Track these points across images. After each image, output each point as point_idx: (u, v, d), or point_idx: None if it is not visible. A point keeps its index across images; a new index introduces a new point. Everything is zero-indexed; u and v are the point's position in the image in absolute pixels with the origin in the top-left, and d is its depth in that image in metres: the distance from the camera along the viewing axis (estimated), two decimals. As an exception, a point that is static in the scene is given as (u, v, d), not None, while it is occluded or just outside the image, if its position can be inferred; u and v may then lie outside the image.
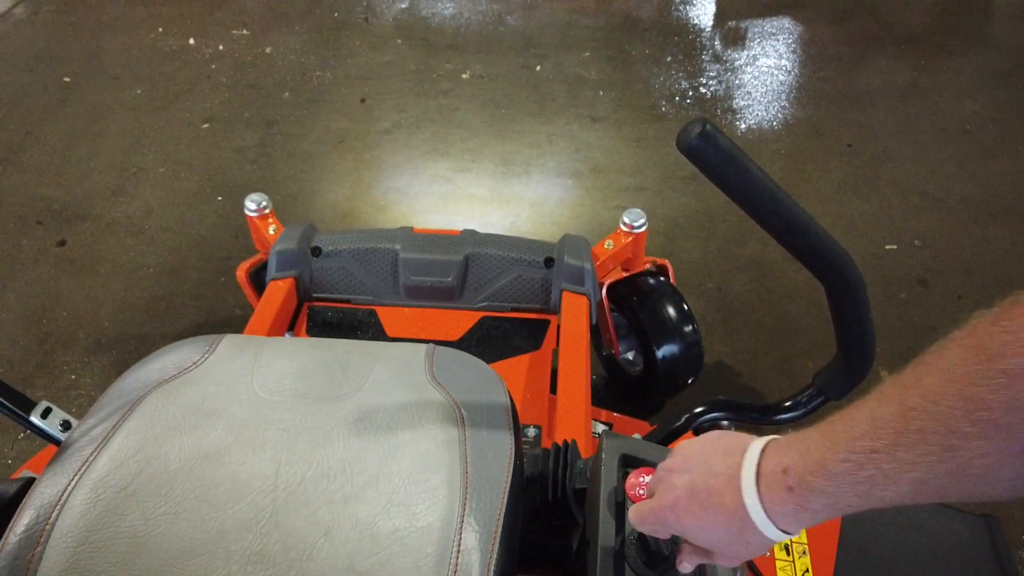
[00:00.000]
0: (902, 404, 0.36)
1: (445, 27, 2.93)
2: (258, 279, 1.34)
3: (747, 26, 2.93)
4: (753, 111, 2.42)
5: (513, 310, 1.21)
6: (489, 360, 1.02)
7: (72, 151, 2.27)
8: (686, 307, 1.34)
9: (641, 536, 0.54)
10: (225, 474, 0.59)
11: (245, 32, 2.90)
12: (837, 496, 0.39)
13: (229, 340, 0.74)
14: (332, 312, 1.22)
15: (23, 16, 3.03)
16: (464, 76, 2.62)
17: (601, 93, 2.52)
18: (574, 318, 1.13)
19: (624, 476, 0.59)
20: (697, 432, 0.80)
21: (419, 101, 2.49)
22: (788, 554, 0.87)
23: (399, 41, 2.83)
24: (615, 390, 1.52)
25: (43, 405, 0.79)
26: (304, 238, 1.23)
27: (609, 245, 1.29)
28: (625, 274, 1.36)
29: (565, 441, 0.74)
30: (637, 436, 0.72)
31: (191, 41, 2.83)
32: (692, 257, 1.85)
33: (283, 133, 2.34)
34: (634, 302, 1.34)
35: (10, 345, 1.65)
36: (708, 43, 2.81)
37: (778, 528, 0.42)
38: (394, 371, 0.70)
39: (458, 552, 0.55)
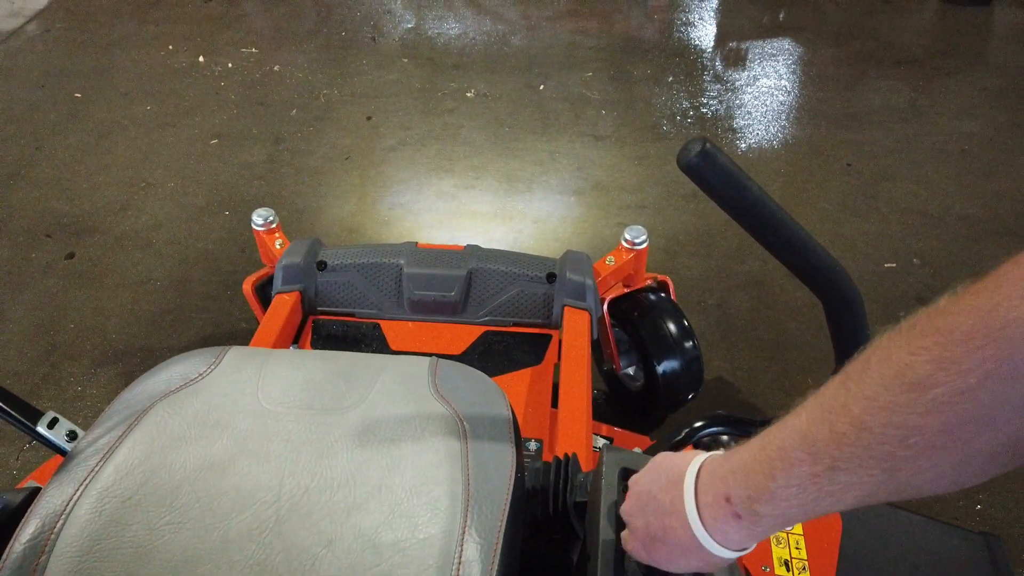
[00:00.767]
0: (833, 430, 0.36)
1: (450, 47, 2.97)
2: (264, 293, 1.36)
3: (748, 47, 2.97)
4: (753, 130, 2.45)
5: (515, 325, 1.22)
6: (491, 374, 1.03)
7: (81, 166, 2.30)
8: (687, 323, 1.34)
9: None
10: (229, 485, 0.59)
11: (254, 50, 2.94)
12: (785, 516, 0.40)
13: (235, 352, 0.75)
14: (336, 325, 1.23)
15: (36, 33, 3.08)
16: (469, 95, 2.65)
17: (603, 112, 2.55)
18: (576, 333, 1.14)
19: (624, 490, 0.59)
20: (697, 446, 0.81)
21: (424, 119, 2.52)
22: (788, 570, 0.87)
23: (405, 60, 2.88)
24: (616, 405, 1.52)
25: (50, 415, 0.80)
26: (310, 252, 1.25)
27: (611, 261, 1.30)
28: (626, 290, 1.37)
29: (566, 454, 0.74)
30: (638, 450, 0.73)
31: (201, 59, 2.88)
32: (692, 274, 1.86)
33: (290, 149, 2.37)
34: (635, 318, 1.35)
35: (18, 356, 1.66)
36: (709, 64, 2.85)
37: (733, 549, 0.44)
38: (398, 383, 0.71)
39: (459, 564, 0.55)
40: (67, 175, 2.25)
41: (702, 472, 0.45)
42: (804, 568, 0.87)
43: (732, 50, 2.96)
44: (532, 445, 1.02)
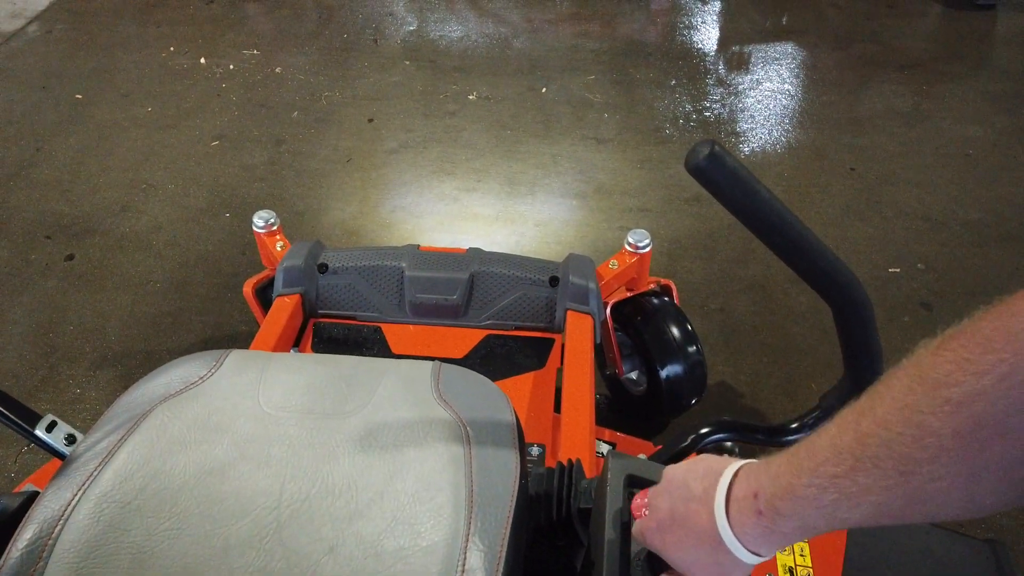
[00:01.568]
0: (858, 431, 0.37)
1: (452, 49, 2.97)
2: (264, 295, 1.35)
3: (750, 51, 2.97)
4: (756, 134, 2.44)
5: (518, 328, 1.21)
6: (493, 378, 1.02)
7: (82, 167, 2.29)
8: (690, 327, 1.34)
9: (649, 557, 0.54)
10: (229, 490, 0.59)
11: (256, 52, 2.94)
12: (804, 519, 0.40)
13: (236, 355, 0.74)
14: (338, 328, 1.23)
15: (37, 34, 3.08)
16: (471, 97, 2.65)
17: (606, 115, 2.54)
18: (578, 337, 1.13)
19: (630, 497, 0.59)
20: (701, 453, 0.80)
21: (426, 121, 2.51)
22: (794, 579, 0.86)
23: (407, 63, 2.87)
24: (618, 410, 1.51)
25: (48, 418, 0.79)
26: (311, 255, 1.24)
27: (614, 265, 1.30)
28: (629, 294, 1.36)
29: (569, 460, 0.73)
30: (643, 456, 0.72)
31: (202, 60, 2.88)
32: (695, 278, 1.85)
33: (291, 151, 2.36)
34: (638, 322, 1.34)
35: (17, 358, 1.66)
36: (712, 67, 2.85)
37: (748, 550, 0.44)
38: (400, 388, 0.70)
39: (463, 572, 0.54)
40: (67, 176, 2.25)
41: (741, 470, 0.46)
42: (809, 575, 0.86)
43: (735, 54, 2.96)
44: (535, 450, 1.01)
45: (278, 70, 2.82)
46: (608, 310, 1.28)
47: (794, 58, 2.90)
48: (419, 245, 1.28)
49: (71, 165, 2.30)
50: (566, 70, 2.81)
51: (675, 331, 1.32)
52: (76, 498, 0.57)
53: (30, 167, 2.29)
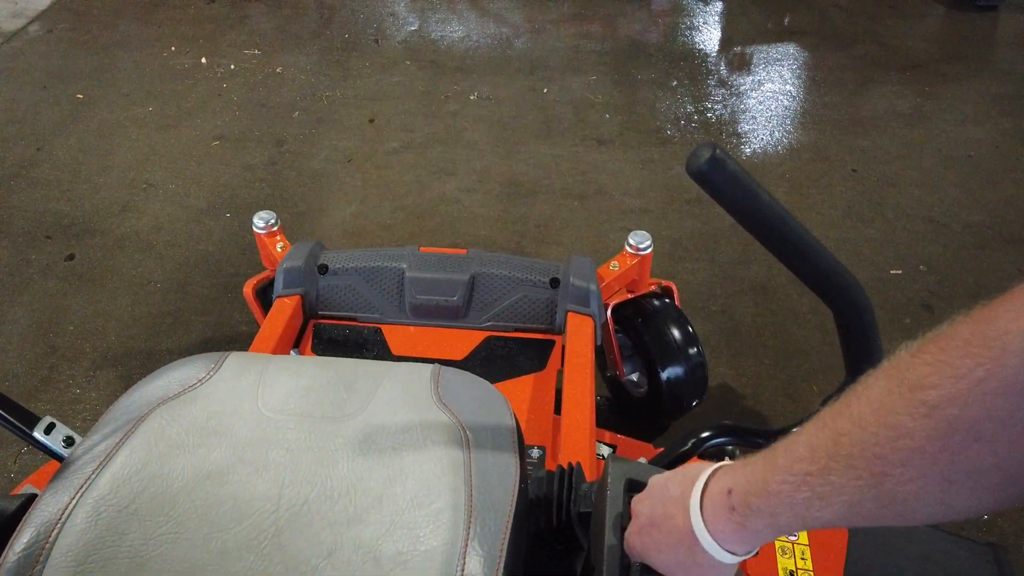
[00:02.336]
0: (834, 430, 0.37)
1: (454, 49, 2.97)
2: (264, 296, 1.35)
3: (752, 52, 2.96)
4: (758, 135, 2.44)
5: (518, 330, 1.21)
6: (493, 380, 1.02)
7: (82, 167, 2.29)
8: (691, 329, 1.33)
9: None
10: (228, 494, 0.58)
11: (257, 52, 2.94)
12: (775, 516, 0.40)
13: (234, 358, 0.74)
14: (338, 330, 1.22)
15: (38, 34, 3.08)
16: (472, 98, 2.65)
17: (607, 116, 2.54)
18: (579, 339, 1.13)
19: (629, 501, 0.58)
20: (703, 457, 0.80)
21: (427, 122, 2.51)
22: (794, 583, 0.85)
23: (408, 63, 2.87)
24: (619, 412, 1.51)
25: (47, 420, 0.79)
26: (311, 256, 1.24)
27: (615, 267, 1.29)
28: (630, 296, 1.36)
29: (569, 464, 0.73)
30: (643, 460, 0.71)
31: (203, 60, 2.88)
32: (697, 279, 1.85)
33: (292, 152, 2.36)
34: (639, 324, 1.34)
35: (16, 358, 1.66)
36: (713, 68, 2.84)
37: (723, 548, 0.44)
38: (399, 391, 0.70)
39: (461, 577, 0.54)
40: (68, 176, 2.25)
41: (719, 469, 0.46)
42: (810, 580, 0.85)
43: (736, 54, 2.95)
44: (535, 452, 1.01)
45: (279, 70, 2.82)
46: (609, 312, 1.28)
47: (796, 59, 2.90)
48: (419, 246, 1.28)
49: (72, 165, 2.30)
50: (567, 70, 2.81)
51: (676, 333, 1.32)
52: (74, 502, 0.57)
53: (31, 167, 2.29)
